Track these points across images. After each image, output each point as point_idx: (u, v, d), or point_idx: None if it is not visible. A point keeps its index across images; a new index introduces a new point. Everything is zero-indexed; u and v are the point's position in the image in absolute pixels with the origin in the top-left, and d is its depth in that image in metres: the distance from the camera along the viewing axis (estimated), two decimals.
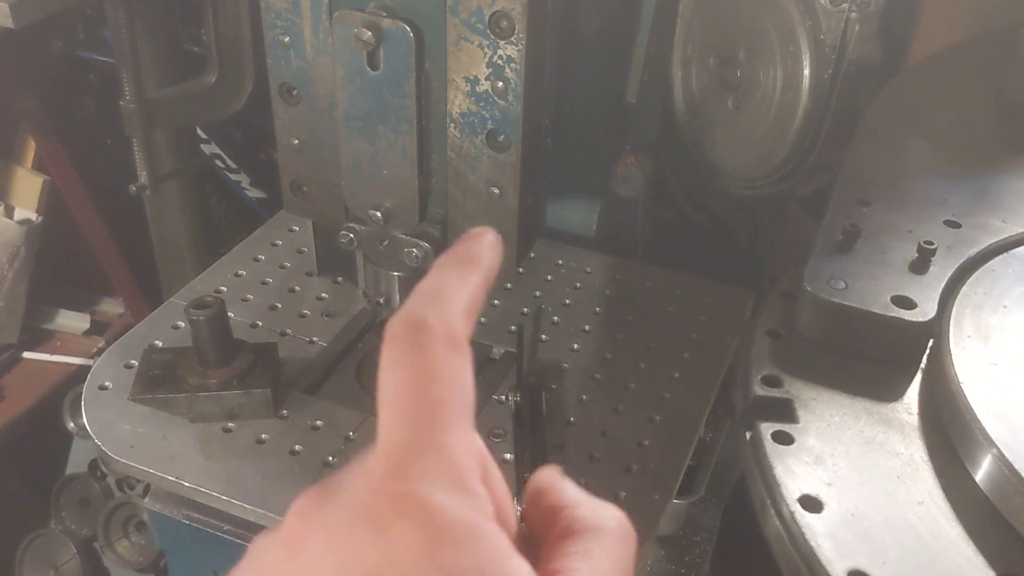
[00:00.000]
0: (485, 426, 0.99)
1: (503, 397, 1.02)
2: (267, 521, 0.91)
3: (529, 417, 0.98)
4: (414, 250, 0.91)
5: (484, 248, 0.42)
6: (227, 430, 0.98)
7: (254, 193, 2.08)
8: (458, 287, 0.40)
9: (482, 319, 1.15)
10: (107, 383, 1.03)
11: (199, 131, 1.90)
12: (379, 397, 0.39)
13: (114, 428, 0.98)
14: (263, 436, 0.97)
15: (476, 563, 0.35)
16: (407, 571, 0.35)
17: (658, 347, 1.12)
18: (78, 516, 1.80)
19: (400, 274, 0.96)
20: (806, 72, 1.05)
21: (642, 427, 1.00)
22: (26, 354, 2.03)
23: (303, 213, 1.00)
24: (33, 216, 1.94)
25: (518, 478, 0.91)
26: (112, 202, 1.98)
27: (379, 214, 0.90)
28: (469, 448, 0.39)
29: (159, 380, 1.00)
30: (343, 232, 0.94)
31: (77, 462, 1.80)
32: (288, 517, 0.38)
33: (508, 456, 0.95)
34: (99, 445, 0.97)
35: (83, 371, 1.86)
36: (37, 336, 2.07)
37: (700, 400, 1.05)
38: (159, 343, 1.08)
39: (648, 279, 1.22)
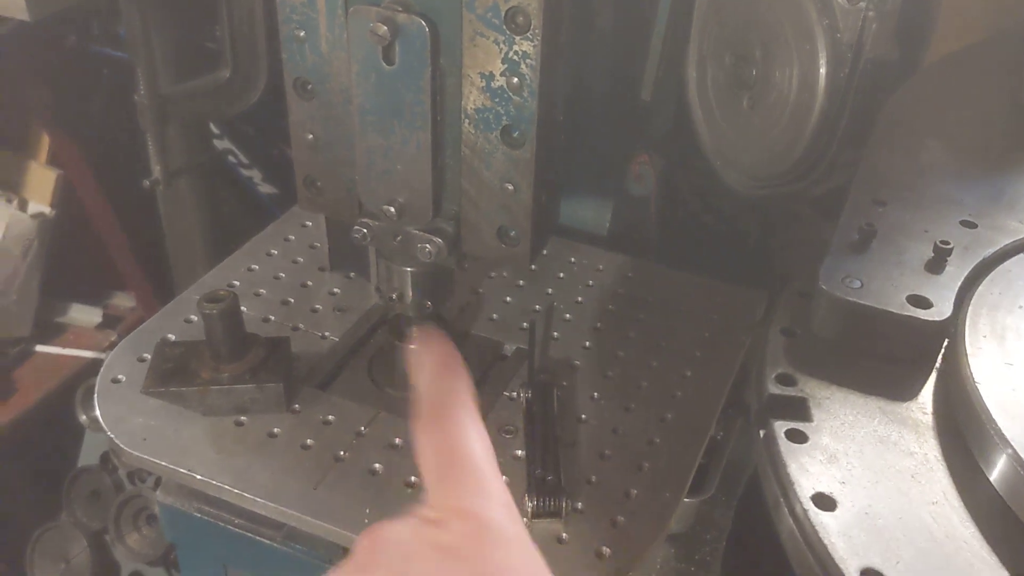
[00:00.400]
0: (496, 422, 0.99)
1: (514, 394, 1.02)
2: (278, 515, 0.91)
3: (540, 414, 0.98)
4: (427, 245, 0.91)
5: (451, 349, 0.50)
6: (239, 424, 0.98)
7: (266, 189, 2.09)
8: (454, 382, 0.49)
9: (493, 315, 1.15)
10: (120, 376, 1.03)
11: (212, 127, 1.90)
12: (419, 461, 0.46)
13: (127, 421, 0.98)
14: (275, 430, 0.97)
15: (519, 565, 0.41)
16: (462, 559, 0.40)
17: (670, 345, 1.11)
18: (89, 509, 1.81)
19: (413, 269, 0.96)
20: (822, 71, 1.05)
21: (653, 425, 1.00)
22: (38, 347, 2.04)
23: (317, 209, 1.00)
24: (46, 210, 1.95)
25: (529, 475, 0.91)
26: (125, 196, 1.98)
27: (393, 209, 0.90)
28: (505, 487, 0.46)
29: (172, 373, 1.00)
30: (356, 227, 0.94)
31: (88, 455, 1.81)
32: (357, 543, 0.44)
33: (519, 453, 0.95)
34: (112, 438, 0.97)
35: (95, 364, 1.88)
36: (49, 329, 2.08)
37: (712, 399, 1.04)
38: (172, 337, 1.09)
39: (660, 278, 1.22)
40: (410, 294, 0.98)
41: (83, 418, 1.79)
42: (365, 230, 0.94)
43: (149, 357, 1.04)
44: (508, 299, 1.18)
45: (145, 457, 0.96)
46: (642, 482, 0.93)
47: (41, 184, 1.93)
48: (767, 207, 1.23)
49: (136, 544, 1.75)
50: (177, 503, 1.08)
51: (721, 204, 1.27)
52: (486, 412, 1.02)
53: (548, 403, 0.99)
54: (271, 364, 1.00)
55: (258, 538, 1.04)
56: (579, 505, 0.90)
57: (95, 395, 1.02)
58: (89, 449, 1.82)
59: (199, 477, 0.93)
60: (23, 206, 1.95)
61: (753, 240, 1.29)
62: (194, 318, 1.11)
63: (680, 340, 1.12)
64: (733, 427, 1.11)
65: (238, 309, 0.99)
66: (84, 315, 2.10)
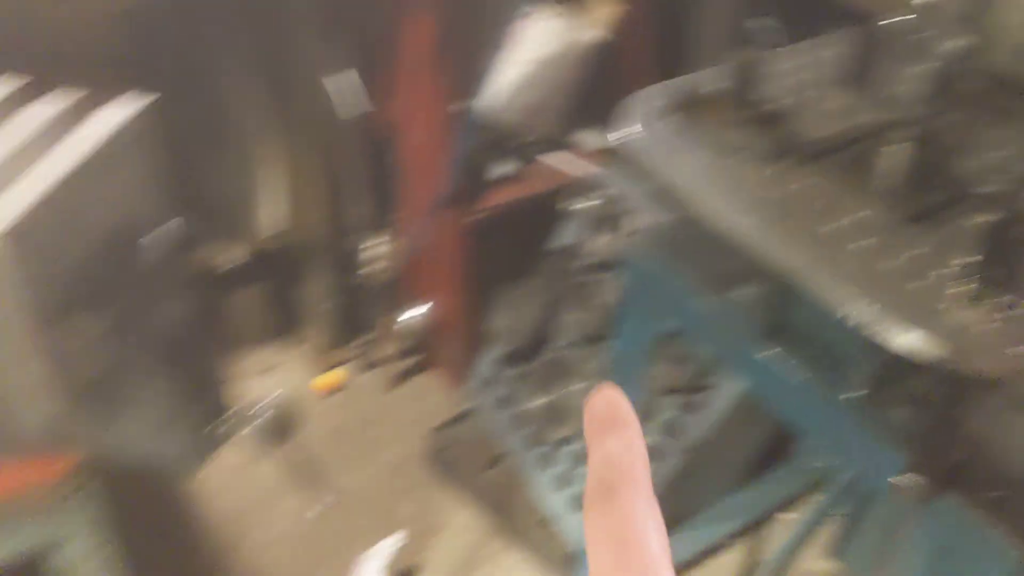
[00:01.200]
0: (941, 240, 1.05)
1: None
2: (733, 231, 1.06)
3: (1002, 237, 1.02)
4: None
5: (624, 407, 0.47)
6: (734, 165, 1.15)
7: None
8: (624, 451, 0.44)
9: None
10: (643, 112, 1.24)
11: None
12: (588, 543, 0.43)
13: (639, 141, 1.19)
14: (767, 173, 1.13)
15: None
16: None
17: None
18: (552, 283, 2.11)
19: None
20: None
21: None
22: (547, 155, 2.37)
23: None
24: (601, 36, 2.23)
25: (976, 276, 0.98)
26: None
27: None
28: None
29: (693, 109, 1.20)
30: None
31: (562, 240, 2.11)
32: None
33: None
34: (632, 154, 1.18)
35: (588, 180, 2.15)
36: (558, 144, 2.40)
37: None
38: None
39: None
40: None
41: (569, 207, 2.08)
42: None
43: (675, 101, 1.23)
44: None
45: (654, 172, 1.16)
46: None
47: (605, 13, 2.21)
48: None
49: (575, 321, 2.03)
50: (642, 259, 1.29)
51: None
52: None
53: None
54: (771, 128, 1.16)
55: (698, 300, 1.22)
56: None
57: (626, 118, 1.23)
58: (564, 236, 2.11)
59: (681, 189, 1.12)
60: (584, 30, 2.24)
61: None
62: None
63: None
64: None
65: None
66: (592, 138, 2.39)
